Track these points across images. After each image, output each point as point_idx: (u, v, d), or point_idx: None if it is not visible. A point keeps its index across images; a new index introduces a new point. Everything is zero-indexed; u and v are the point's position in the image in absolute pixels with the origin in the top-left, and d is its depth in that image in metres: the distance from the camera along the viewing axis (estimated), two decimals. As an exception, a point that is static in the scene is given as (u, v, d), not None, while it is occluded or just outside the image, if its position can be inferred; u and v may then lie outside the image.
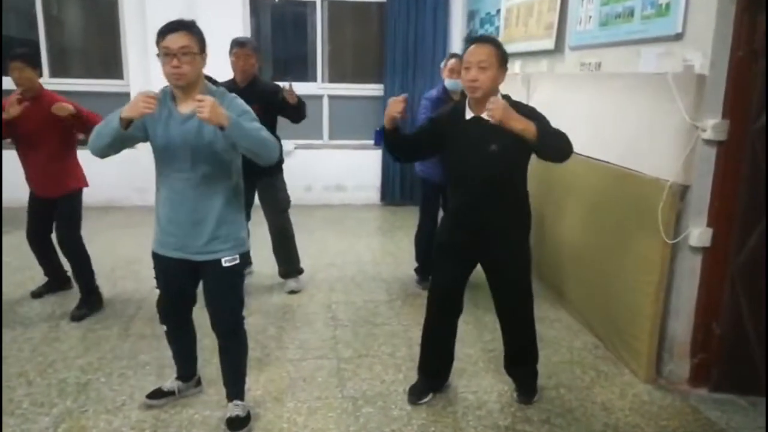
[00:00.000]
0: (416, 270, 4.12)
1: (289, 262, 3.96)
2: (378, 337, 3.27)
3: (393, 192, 6.58)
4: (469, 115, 2.37)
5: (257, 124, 2.16)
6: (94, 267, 3.58)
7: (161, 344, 2.49)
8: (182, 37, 2.06)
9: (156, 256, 2.32)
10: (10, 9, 6.22)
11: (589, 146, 3.28)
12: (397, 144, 2.49)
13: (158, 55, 2.09)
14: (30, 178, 3.43)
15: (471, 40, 2.40)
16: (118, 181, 5.93)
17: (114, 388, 2.68)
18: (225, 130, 1.97)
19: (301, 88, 6.58)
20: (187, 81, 2.10)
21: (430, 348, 2.65)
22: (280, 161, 3.90)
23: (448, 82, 3.70)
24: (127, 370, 2.83)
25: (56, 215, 3.47)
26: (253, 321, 3.44)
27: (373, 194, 6.68)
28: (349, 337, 3.26)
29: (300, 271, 4.02)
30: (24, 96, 3.21)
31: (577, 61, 3.73)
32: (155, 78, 5.41)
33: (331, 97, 6.58)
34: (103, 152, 2.12)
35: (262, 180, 3.77)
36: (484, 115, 2.24)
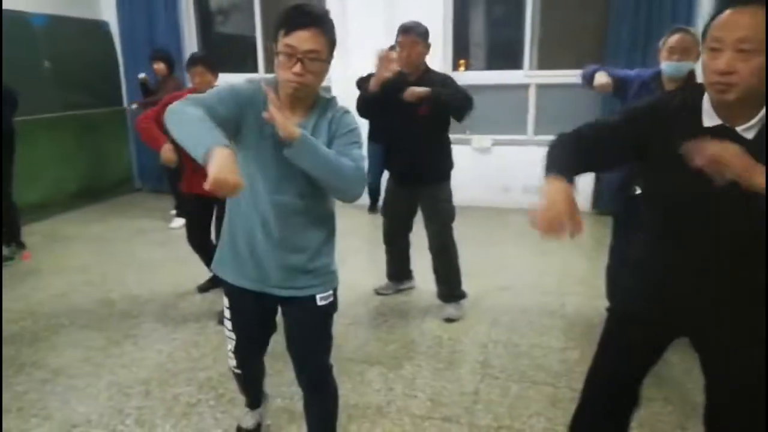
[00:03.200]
0: (608, 310, 3.19)
1: (448, 285, 3.38)
2: (533, 401, 2.53)
3: (607, 199, 5.49)
4: (710, 121, 1.40)
5: (355, 152, 1.68)
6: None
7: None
8: (314, 37, 1.57)
9: (232, 289, 1.90)
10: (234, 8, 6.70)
11: None
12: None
13: (276, 52, 1.63)
14: (196, 178, 3.43)
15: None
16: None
17: (216, 416, 2.45)
18: (292, 146, 1.52)
19: (504, 77, 5.97)
20: (308, 92, 1.66)
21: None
22: (449, 166, 3.30)
23: (667, 65, 2.71)
24: (238, 395, 2.58)
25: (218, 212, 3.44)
26: (392, 351, 2.98)
27: (583, 200, 5.66)
28: (495, 395, 2.58)
29: (461, 296, 3.41)
30: None
31: None
32: (353, 78, 5.32)
33: (540, 86, 5.73)
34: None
35: (424, 188, 3.25)
36: (741, 131, 1.33)
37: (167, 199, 5.68)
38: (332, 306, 1.89)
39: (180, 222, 5.25)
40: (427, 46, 3.11)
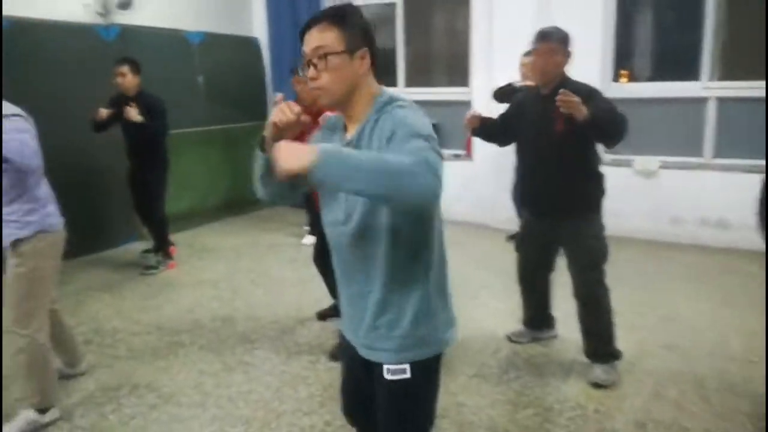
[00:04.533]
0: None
1: (597, 340, 2.80)
2: None
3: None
4: None
5: (412, 144, 1.20)
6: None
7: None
8: (318, 32, 1.34)
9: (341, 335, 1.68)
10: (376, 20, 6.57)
11: None
12: None
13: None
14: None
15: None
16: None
17: (313, 478, 2.17)
18: (311, 172, 1.13)
19: (677, 89, 5.11)
20: (331, 98, 1.37)
21: None
22: (597, 195, 2.75)
23: None
24: (340, 453, 2.29)
25: None
26: (523, 419, 2.50)
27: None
28: (657, 501, 2.00)
29: (613, 356, 2.80)
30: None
31: None
32: (496, 85, 4.88)
33: (721, 100, 4.83)
34: (260, 192, 1.52)
35: (564, 222, 2.72)
36: None
37: (304, 214, 5.65)
38: (415, 384, 1.44)
39: (312, 239, 5.15)
40: (567, 55, 2.63)
